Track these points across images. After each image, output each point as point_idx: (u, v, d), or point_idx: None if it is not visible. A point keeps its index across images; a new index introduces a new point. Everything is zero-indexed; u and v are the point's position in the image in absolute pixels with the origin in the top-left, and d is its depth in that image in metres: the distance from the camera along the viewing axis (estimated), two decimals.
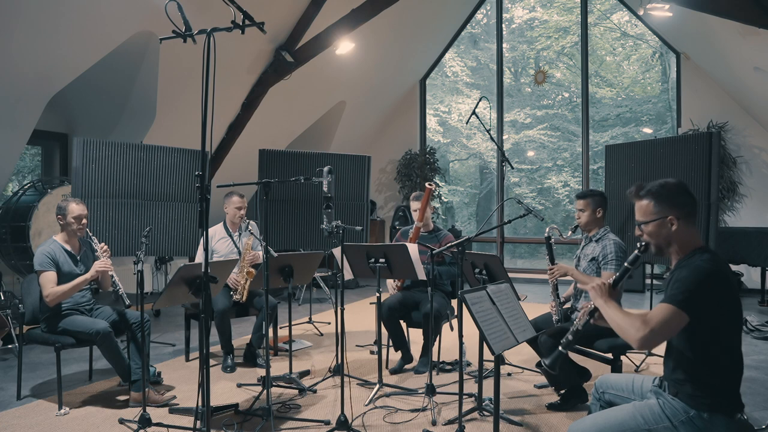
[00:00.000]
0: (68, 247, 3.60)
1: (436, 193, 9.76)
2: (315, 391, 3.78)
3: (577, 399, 3.43)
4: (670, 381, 1.99)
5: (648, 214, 2.00)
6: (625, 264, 2.06)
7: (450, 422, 3.22)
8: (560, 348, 2.17)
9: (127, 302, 3.40)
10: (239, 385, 3.89)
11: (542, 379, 3.80)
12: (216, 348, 4.47)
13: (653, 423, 1.93)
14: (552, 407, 3.45)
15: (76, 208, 3.56)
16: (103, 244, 3.59)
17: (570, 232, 3.57)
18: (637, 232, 2.05)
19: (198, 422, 2.87)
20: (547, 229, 3.55)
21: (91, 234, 3.62)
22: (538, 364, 3.59)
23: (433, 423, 3.23)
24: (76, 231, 3.57)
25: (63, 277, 3.47)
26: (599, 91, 12.62)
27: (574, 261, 3.72)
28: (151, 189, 4.85)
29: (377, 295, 3.58)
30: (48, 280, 3.41)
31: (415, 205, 4.33)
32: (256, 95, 7.33)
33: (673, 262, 2.01)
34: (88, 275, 3.47)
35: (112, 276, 3.51)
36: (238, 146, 7.62)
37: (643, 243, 2.03)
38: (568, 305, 3.72)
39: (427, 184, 4.23)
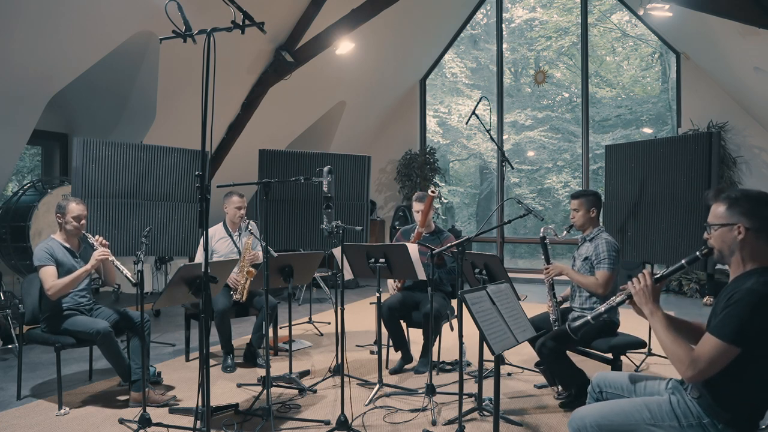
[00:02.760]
0: (67, 245, 3.60)
1: (437, 194, 9.76)
2: (315, 391, 3.78)
3: (585, 397, 3.42)
4: (698, 384, 1.91)
5: (717, 217, 1.92)
6: (683, 261, 1.98)
7: (450, 422, 3.22)
8: (589, 318, 2.16)
9: (135, 281, 3.33)
10: (239, 385, 3.89)
11: (542, 379, 3.80)
12: (216, 348, 4.47)
13: (660, 419, 1.91)
14: (564, 406, 3.45)
15: (75, 207, 3.56)
16: (98, 236, 3.57)
17: (565, 232, 3.59)
18: (705, 235, 1.98)
19: (198, 422, 2.87)
20: (542, 230, 3.58)
21: (86, 233, 3.61)
22: (538, 364, 3.61)
23: (433, 423, 3.23)
24: (74, 231, 3.57)
25: (63, 275, 3.46)
26: (599, 91, 12.62)
27: (571, 261, 3.73)
28: (151, 189, 4.85)
29: (377, 295, 3.58)
30: (48, 275, 3.41)
31: (417, 206, 4.34)
32: (256, 95, 7.33)
33: (731, 275, 1.93)
34: (88, 266, 3.47)
35: (113, 261, 3.49)
36: (238, 146, 7.62)
37: (706, 247, 1.95)
38: (566, 305, 3.72)
39: (429, 192, 4.22)
